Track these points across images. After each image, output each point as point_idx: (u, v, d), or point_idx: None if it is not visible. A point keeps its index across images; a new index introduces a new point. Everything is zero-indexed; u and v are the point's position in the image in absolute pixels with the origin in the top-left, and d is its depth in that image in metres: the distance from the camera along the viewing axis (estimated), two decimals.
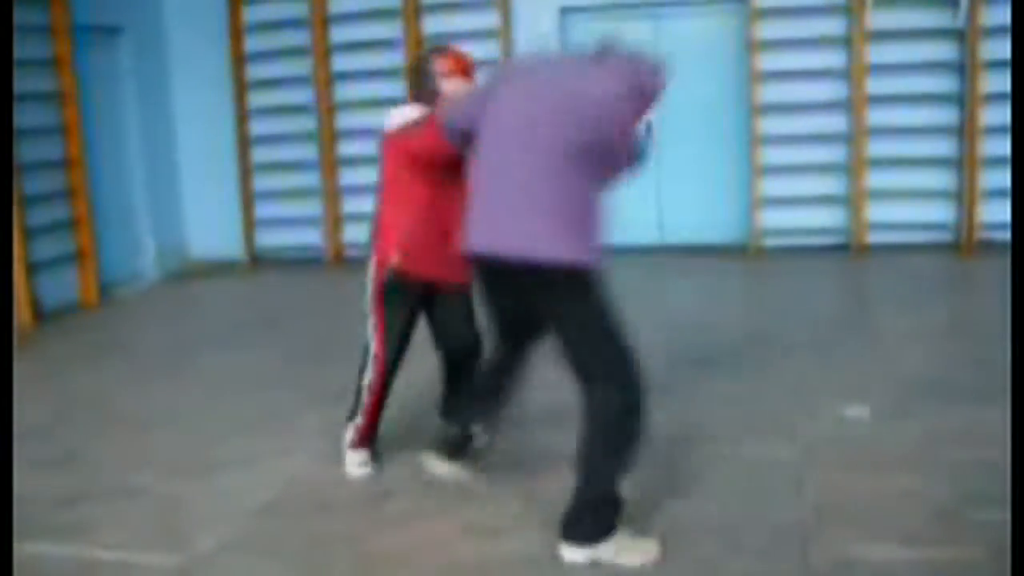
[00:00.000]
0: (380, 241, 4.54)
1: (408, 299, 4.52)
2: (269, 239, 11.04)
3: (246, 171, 10.93)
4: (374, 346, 4.58)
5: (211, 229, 11.01)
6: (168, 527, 4.21)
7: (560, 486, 4.32)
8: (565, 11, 10.28)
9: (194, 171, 11.01)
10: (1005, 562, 3.46)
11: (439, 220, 4.30)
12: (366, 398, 4.60)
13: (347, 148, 10.73)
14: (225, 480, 4.69)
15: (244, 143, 10.89)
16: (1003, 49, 8.83)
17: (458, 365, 4.71)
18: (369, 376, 4.59)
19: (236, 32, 10.69)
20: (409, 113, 4.36)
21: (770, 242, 9.88)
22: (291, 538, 4.05)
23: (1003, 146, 8.40)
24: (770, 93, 9.72)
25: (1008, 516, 3.77)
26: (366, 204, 10.59)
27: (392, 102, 10.27)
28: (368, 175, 10.53)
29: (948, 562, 3.56)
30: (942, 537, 3.75)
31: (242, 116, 10.83)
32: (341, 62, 10.66)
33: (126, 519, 4.30)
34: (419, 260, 4.41)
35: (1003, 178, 8.58)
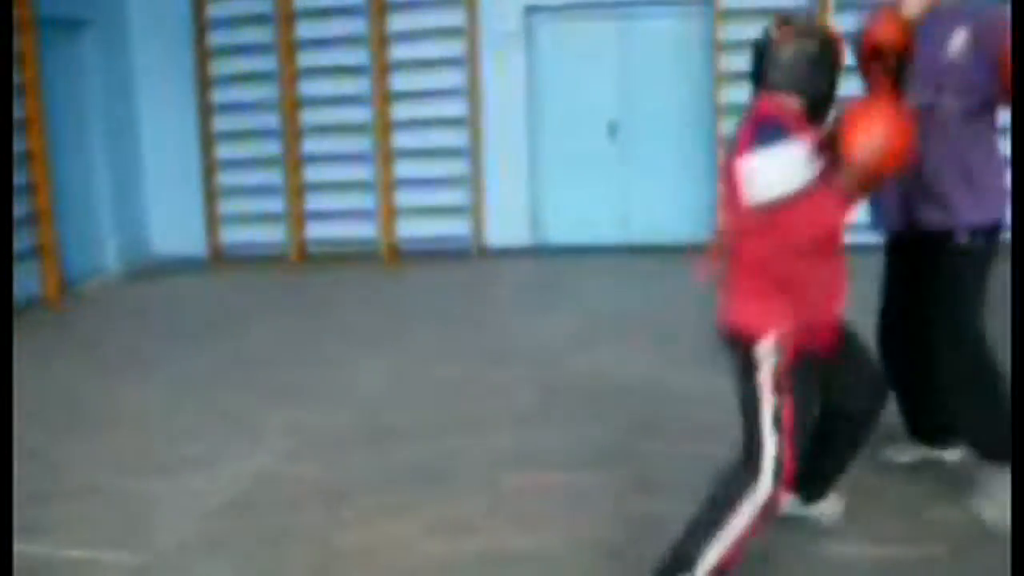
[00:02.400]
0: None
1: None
2: (233, 236, 10.99)
3: (210, 167, 10.87)
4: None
5: (174, 225, 10.94)
6: (131, 526, 4.19)
7: (525, 484, 4.36)
8: (530, 10, 10.30)
9: (158, 167, 10.94)
10: (962, 558, 3.54)
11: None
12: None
13: (312, 145, 10.70)
14: (188, 479, 4.67)
15: (208, 139, 10.82)
16: None
17: None
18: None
19: (201, 27, 10.63)
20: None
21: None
22: (253, 536, 4.04)
23: None
24: (736, 94, 9.78)
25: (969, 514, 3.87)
26: (329, 201, 10.70)
27: (354, 100, 10.44)
28: (329, 172, 10.64)
29: (911, 559, 3.61)
30: (905, 535, 3.80)
31: (206, 111, 10.77)
32: (306, 59, 10.63)
33: (89, 518, 4.27)
34: None
35: None
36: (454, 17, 10.34)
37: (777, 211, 3.07)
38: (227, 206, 10.97)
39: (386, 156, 10.56)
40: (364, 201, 10.69)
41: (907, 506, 4.02)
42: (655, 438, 4.88)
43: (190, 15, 10.62)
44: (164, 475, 4.73)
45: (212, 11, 10.66)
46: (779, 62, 3.33)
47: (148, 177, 10.92)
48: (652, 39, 10.19)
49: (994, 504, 3.81)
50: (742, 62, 10.10)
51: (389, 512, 4.17)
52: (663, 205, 10.26)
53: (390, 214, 10.63)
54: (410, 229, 10.68)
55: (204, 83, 10.72)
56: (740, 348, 3.28)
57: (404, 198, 10.68)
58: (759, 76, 3.44)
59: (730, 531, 3.17)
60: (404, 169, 10.64)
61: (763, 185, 3.09)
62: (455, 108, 10.47)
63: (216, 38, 10.69)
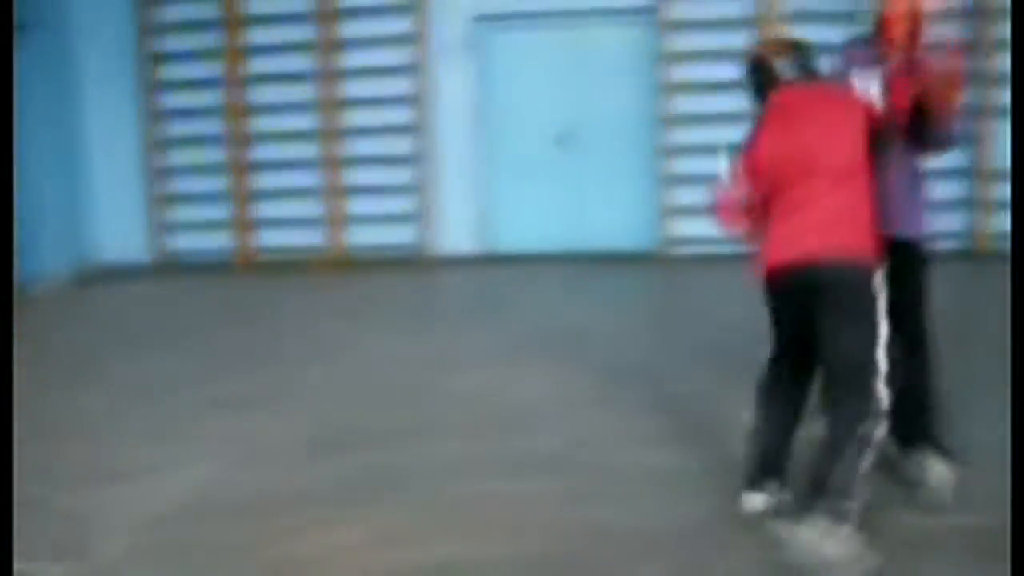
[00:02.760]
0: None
1: None
2: (180, 243, 10.90)
3: (156, 173, 10.78)
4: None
5: (121, 232, 10.85)
6: (72, 536, 4.14)
7: (470, 494, 4.36)
8: (480, 19, 10.32)
9: (104, 172, 10.85)
10: (898, 564, 3.57)
11: None
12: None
13: (260, 152, 10.65)
14: (131, 488, 4.61)
15: (154, 145, 10.73)
16: None
17: None
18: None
19: (146, 32, 10.55)
20: None
21: (679, 251, 10.02)
22: (195, 546, 4.00)
23: None
24: (681, 104, 9.87)
25: (907, 520, 3.92)
26: (278, 208, 10.64)
27: (303, 107, 10.39)
28: (278, 179, 10.58)
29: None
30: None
31: (153, 117, 10.68)
32: (254, 65, 10.57)
33: (29, 529, 4.20)
34: None
35: None
36: (404, 24, 10.34)
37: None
38: (174, 213, 10.88)
39: (335, 163, 10.52)
40: (313, 208, 10.65)
41: None
42: (596, 449, 4.90)
43: (136, 19, 10.54)
44: (107, 485, 4.67)
45: (158, 16, 10.59)
46: (778, 71, 4.00)
47: (95, 183, 10.81)
48: (600, 49, 10.26)
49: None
50: (687, 72, 10.29)
51: (333, 522, 4.15)
52: (611, 213, 10.32)
53: (339, 221, 10.59)
54: (359, 236, 10.66)
55: (150, 88, 10.63)
56: (856, 282, 3.66)
57: (353, 205, 10.65)
58: (761, 87, 4.04)
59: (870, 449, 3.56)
60: (353, 176, 10.61)
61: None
62: (405, 115, 10.46)
63: (163, 43, 10.61)
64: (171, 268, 10.61)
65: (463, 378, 6.20)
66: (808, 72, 4.01)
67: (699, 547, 3.79)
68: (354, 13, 10.40)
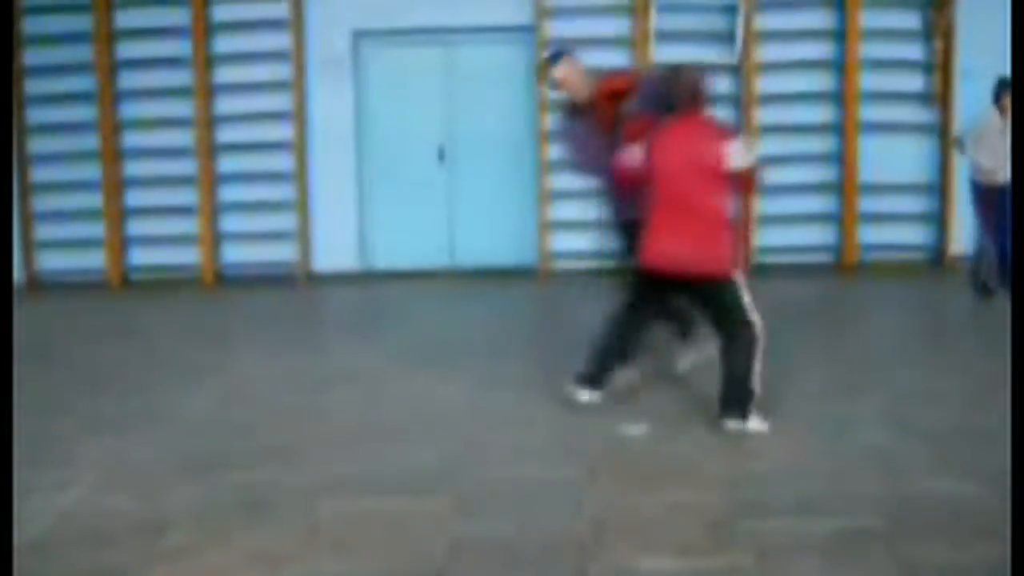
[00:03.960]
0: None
1: None
2: (50, 262, 10.61)
3: (24, 190, 10.47)
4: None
5: None
6: None
7: (344, 510, 4.33)
8: (358, 35, 10.30)
9: None
10: (771, 567, 3.68)
11: None
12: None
13: (133, 168, 10.44)
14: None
15: (23, 161, 10.43)
16: (774, 84, 9.46)
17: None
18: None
19: (14, 44, 10.25)
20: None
21: (558, 265, 10.13)
22: (70, 571, 3.89)
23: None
24: (555, 121, 9.97)
25: (776, 524, 4.03)
26: (151, 226, 10.43)
27: (177, 122, 10.21)
28: (152, 196, 10.37)
29: (719, 570, 3.73)
30: (712, 547, 3.93)
31: (20, 132, 10.37)
32: (127, 80, 10.37)
33: None
34: None
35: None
36: (280, 40, 10.25)
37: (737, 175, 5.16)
38: (44, 231, 10.58)
39: (210, 180, 10.37)
40: (188, 226, 10.47)
41: (715, 519, 4.16)
42: (473, 462, 4.92)
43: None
44: None
45: (26, 28, 10.29)
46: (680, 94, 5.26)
47: None
48: (478, 66, 10.33)
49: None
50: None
51: (206, 544, 4.08)
52: (490, 230, 10.38)
53: (214, 239, 10.44)
54: (235, 254, 10.52)
55: (18, 102, 10.33)
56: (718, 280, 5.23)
57: (229, 223, 10.51)
58: (672, 104, 5.26)
59: (758, 367, 5.17)
60: (229, 193, 10.47)
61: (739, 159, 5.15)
62: (281, 132, 10.37)
63: (31, 56, 10.32)
64: (42, 288, 10.32)
65: (339, 395, 6.16)
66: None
67: (568, 558, 3.83)
68: (230, 27, 10.27)
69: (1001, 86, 8.04)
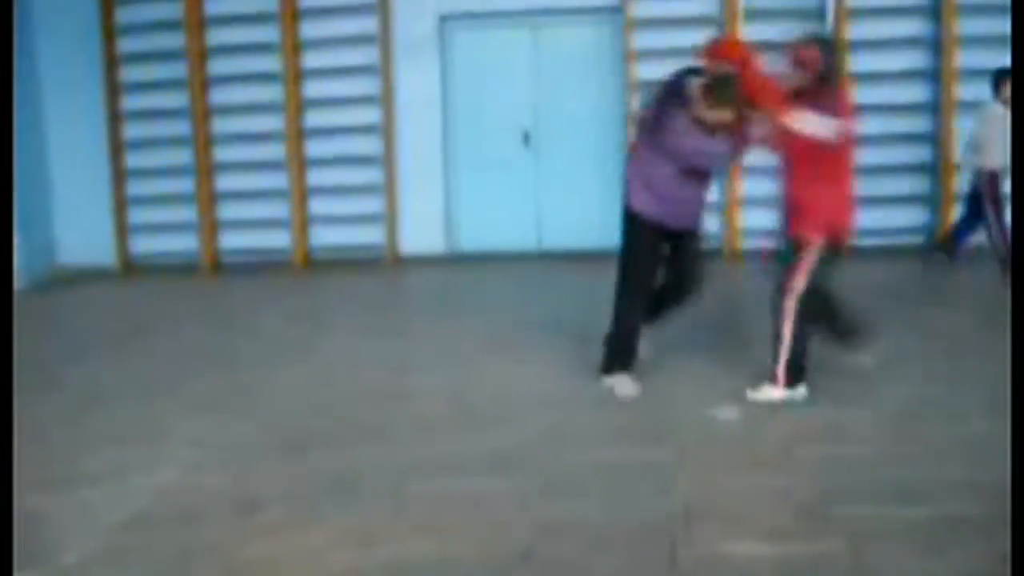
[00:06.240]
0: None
1: None
2: (144, 246, 10.83)
3: (119, 175, 10.70)
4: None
5: (82, 234, 10.76)
6: (31, 542, 4.08)
7: (432, 492, 4.35)
8: (444, 18, 10.32)
9: (65, 175, 10.76)
10: (864, 553, 3.61)
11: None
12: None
13: (224, 153, 10.59)
14: (92, 493, 4.57)
15: (118, 147, 10.65)
16: (867, 62, 9.25)
17: None
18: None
19: (109, 33, 10.47)
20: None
21: None
22: (157, 550, 3.96)
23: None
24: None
25: (868, 510, 3.96)
26: (242, 210, 10.59)
27: (266, 108, 10.34)
28: (242, 180, 10.53)
29: (810, 556, 3.67)
30: (804, 532, 3.87)
31: (115, 119, 10.60)
32: (217, 66, 10.52)
33: None
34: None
35: None
36: (367, 24, 10.32)
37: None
38: (137, 215, 10.81)
39: (299, 164, 10.49)
40: (277, 210, 10.61)
41: (806, 504, 4.09)
42: (559, 444, 4.91)
43: (97, 20, 10.46)
44: (67, 490, 4.62)
45: (121, 16, 10.50)
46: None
47: (55, 185, 10.72)
48: (565, 47, 10.29)
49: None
50: (651, 70, 10.31)
51: (296, 523, 4.13)
52: (576, 212, 10.34)
53: (304, 222, 10.56)
54: (324, 237, 10.63)
55: (113, 90, 10.55)
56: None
57: (318, 206, 10.62)
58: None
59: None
60: (318, 177, 10.58)
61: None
62: (369, 116, 10.44)
63: (125, 44, 10.53)
64: (136, 271, 10.54)
65: (426, 377, 6.19)
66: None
67: (656, 542, 3.80)
68: (317, 13, 10.37)
69: (1000, 76, 7.86)
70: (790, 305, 5.25)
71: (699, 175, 5.47)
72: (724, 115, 5.13)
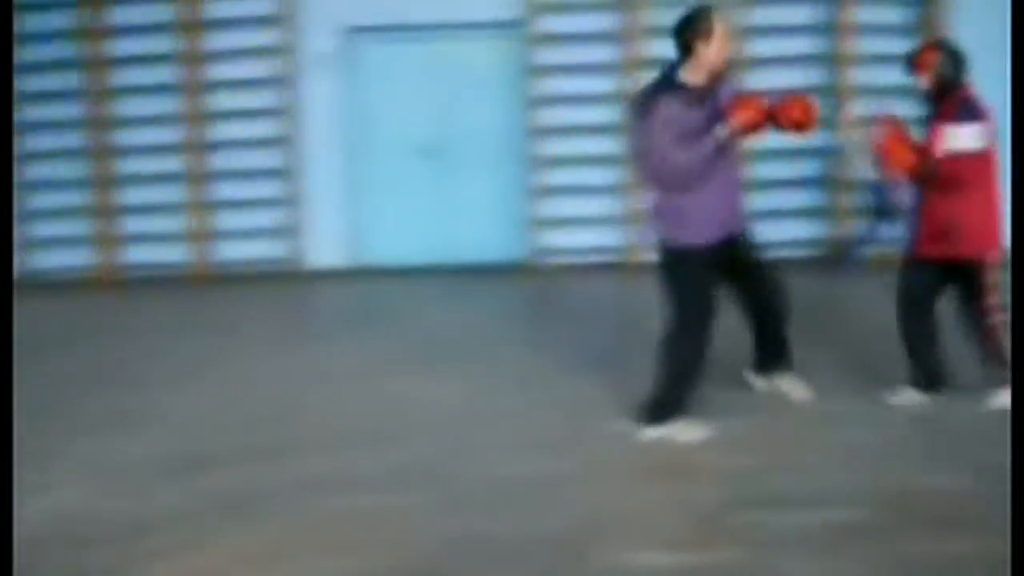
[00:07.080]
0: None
1: None
2: (42, 260, 10.57)
3: (17, 188, 10.41)
4: None
5: None
6: None
7: (336, 508, 4.31)
8: (349, 31, 10.27)
9: None
10: (762, 560, 3.67)
11: None
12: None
13: (124, 165, 10.42)
14: None
15: (15, 159, 10.38)
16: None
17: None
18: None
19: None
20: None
21: (550, 261, 10.09)
22: (62, 572, 3.87)
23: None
24: (548, 117, 9.97)
25: (766, 517, 4.02)
26: (143, 223, 10.38)
27: (168, 119, 10.16)
28: (143, 193, 10.32)
29: (712, 564, 3.72)
30: (704, 541, 3.92)
31: (21, 129, 10.32)
32: (117, 77, 10.33)
33: None
34: None
35: None
36: (271, 36, 10.22)
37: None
38: (36, 228, 10.54)
39: (201, 177, 10.34)
40: (179, 223, 10.44)
41: (705, 513, 4.15)
42: (464, 459, 4.90)
43: None
44: None
45: (20, 25, 10.23)
46: None
47: None
48: (469, 62, 10.31)
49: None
50: (555, 85, 10.37)
51: (194, 545, 4.06)
52: (481, 225, 10.35)
53: (206, 236, 10.40)
54: (228, 251, 10.48)
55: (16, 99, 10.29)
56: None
57: (221, 220, 10.47)
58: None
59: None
60: (221, 190, 10.44)
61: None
62: (273, 128, 10.33)
63: (21, 54, 10.27)
64: (33, 286, 10.27)
65: (328, 394, 6.14)
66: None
67: (561, 554, 3.82)
68: (220, 24, 10.23)
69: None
70: (996, 320, 4.99)
71: (727, 157, 5.03)
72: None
